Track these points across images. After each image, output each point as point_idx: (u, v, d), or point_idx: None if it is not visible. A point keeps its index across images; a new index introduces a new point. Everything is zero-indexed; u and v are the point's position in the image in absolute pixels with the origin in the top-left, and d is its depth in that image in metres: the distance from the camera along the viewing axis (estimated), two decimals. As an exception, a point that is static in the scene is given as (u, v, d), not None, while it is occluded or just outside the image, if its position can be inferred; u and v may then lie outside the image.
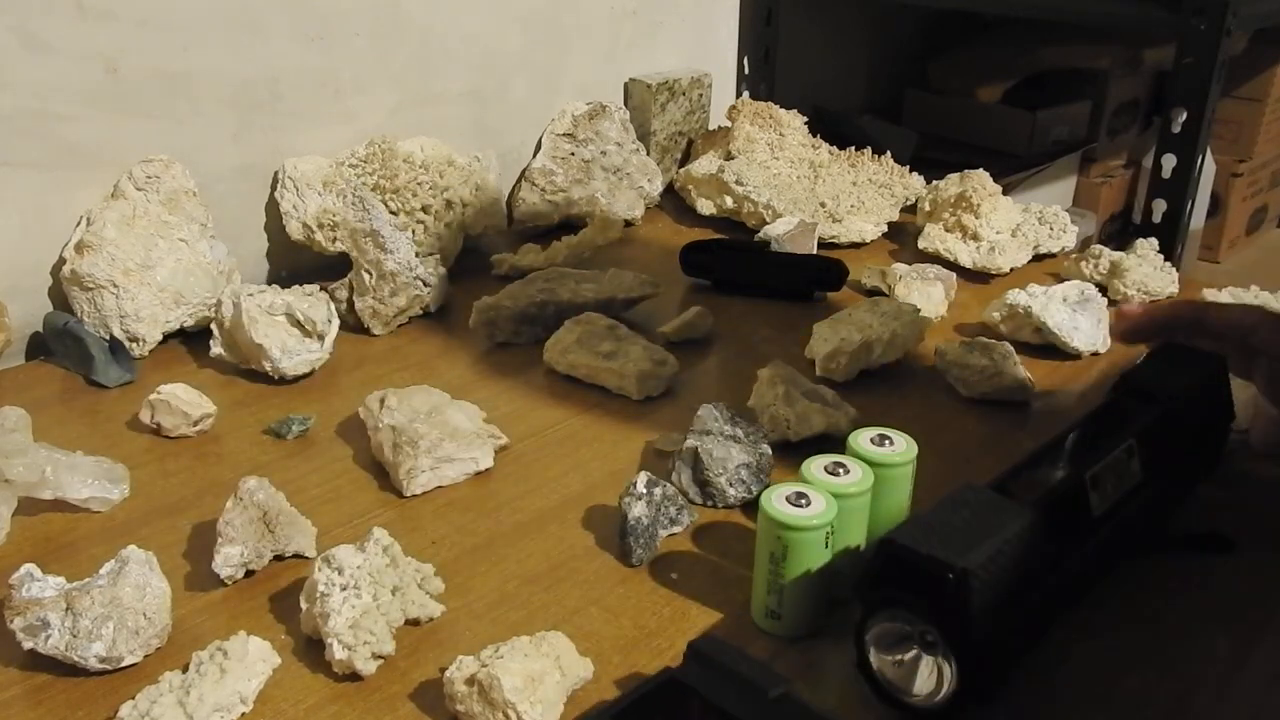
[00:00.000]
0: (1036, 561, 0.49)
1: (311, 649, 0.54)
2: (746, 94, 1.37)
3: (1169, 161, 1.06)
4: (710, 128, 1.29)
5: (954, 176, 1.08)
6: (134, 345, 0.83)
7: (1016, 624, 0.48)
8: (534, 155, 1.15)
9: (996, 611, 0.46)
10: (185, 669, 0.50)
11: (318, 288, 0.84)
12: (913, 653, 0.48)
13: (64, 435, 0.72)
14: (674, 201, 1.21)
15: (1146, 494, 0.57)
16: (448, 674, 0.50)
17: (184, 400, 0.73)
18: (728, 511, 0.66)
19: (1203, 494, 0.65)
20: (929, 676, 0.48)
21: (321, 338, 0.81)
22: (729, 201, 1.13)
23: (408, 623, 0.55)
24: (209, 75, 0.91)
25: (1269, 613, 0.58)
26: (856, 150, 1.17)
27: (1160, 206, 1.08)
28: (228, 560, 0.58)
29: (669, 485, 0.64)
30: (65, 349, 0.83)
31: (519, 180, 1.15)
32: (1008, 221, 1.04)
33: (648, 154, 1.20)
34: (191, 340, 0.87)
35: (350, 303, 0.89)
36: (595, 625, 0.56)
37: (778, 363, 0.77)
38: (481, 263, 1.03)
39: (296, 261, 1.00)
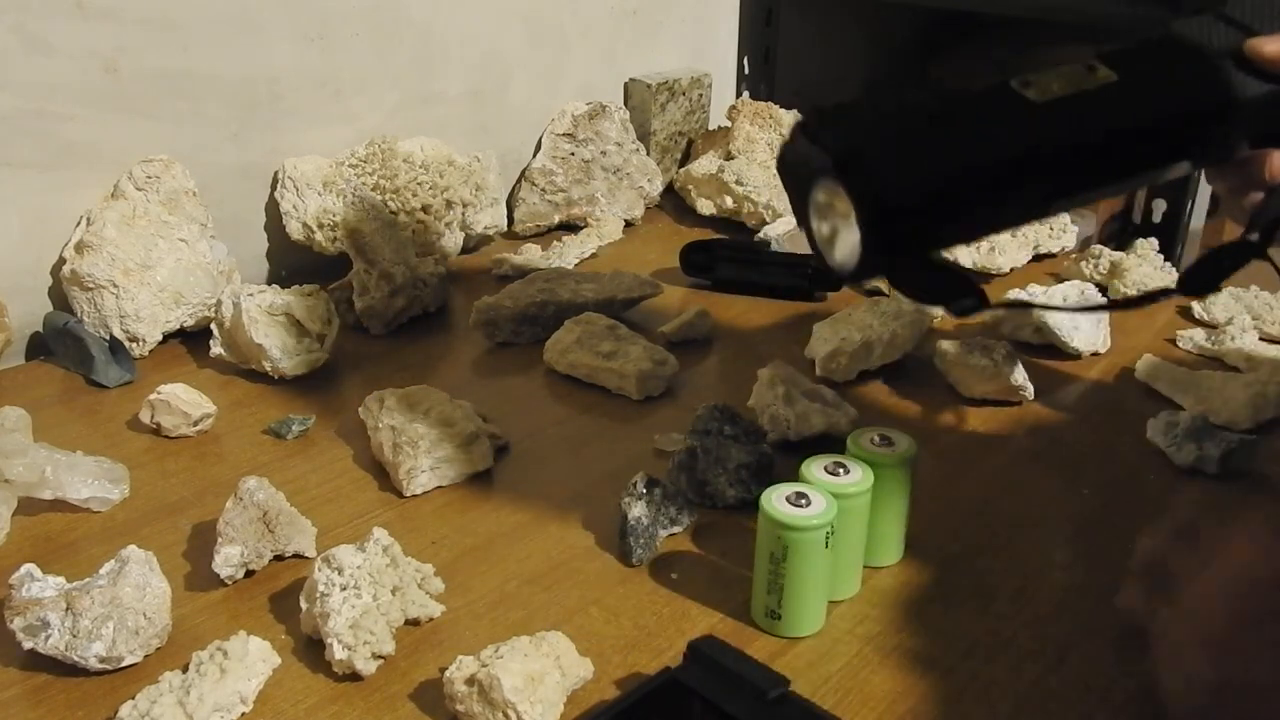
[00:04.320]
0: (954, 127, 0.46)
1: (311, 649, 0.54)
2: (746, 94, 1.37)
3: (1169, 161, 1.06)
4: (710, 128, 1.29)
5: (954, 176, 1.08)
6: (134, 345, 0.83)
7: (929, 191, 0.45)
8: (534, 155, 1.15)
9: (903, 174, 0.45)
10: (185, 669, 0.50)
11: (318, 288, 0.84)
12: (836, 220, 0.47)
13: (64, 435, 0.72)
14: (674, 201, 1.21)
15: (1126, 93, 0.50)
16: (448, 674, 0.50)
17: (184, 400, 0.73)
18: (728, 511, 0.66)
19: (1194, 488, 0.65)
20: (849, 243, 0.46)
21: (321, 338, 0.81)
22: (729, 201, 1.13)
23: (408, 623, 0.55)
24: (209, 75, 0.91)
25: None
26: (856, 150, 1.17)
27: (1160, 206, 1.08)
28: (228, 560, 0.58)
29: (669, 485, 0.64)
30: (65, 349, 0.83)
31: (519, 180, 1.15)
32: (1008, 221, 1.04)
33: (648, 154, 1.20)
34: (191, 340, 0.87)
35: (350, 303, 0.89)
36: (595, 625, 0.56)
37: (778, 363, 0.77)
38: (481, 263, 1.03)
39: (296, 261, 1.00)
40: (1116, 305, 0.86)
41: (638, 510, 0.61)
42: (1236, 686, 0.42)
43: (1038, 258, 1.04)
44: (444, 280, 0.93)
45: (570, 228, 1.14)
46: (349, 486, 0.68)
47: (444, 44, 1.07)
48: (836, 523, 0.53)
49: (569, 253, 1.02)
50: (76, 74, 0.84)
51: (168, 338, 0.86)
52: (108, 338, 0.82)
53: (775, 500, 0.54)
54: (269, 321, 0.79)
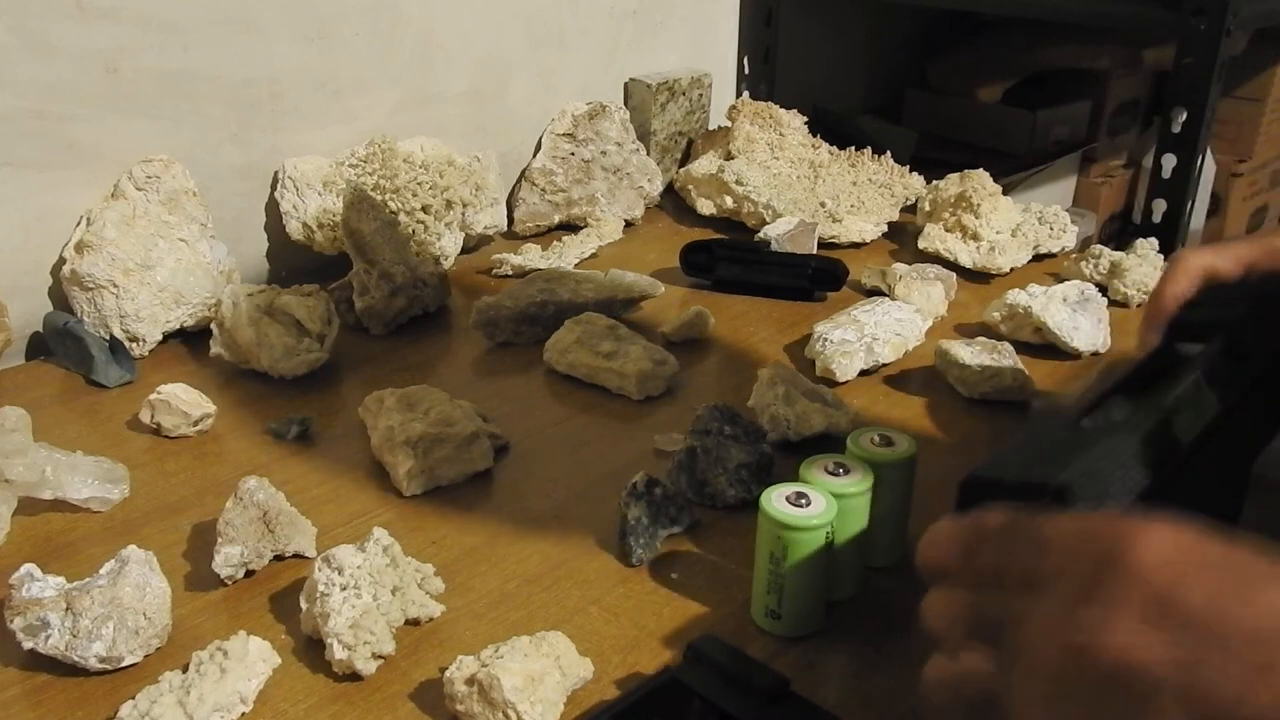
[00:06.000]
0: (1130, 488, 0.44)
1: (311, 649, 0.54)
2: (746, 94, 1.37)
3: (1169, 161, 1.06)
4: (710, 128, 1.29)
5: (954, 176, 1.08)
6: (134, 345, 0.83)
7: None
8: (534, 155, 1.15)
9: None
10: (185, 669, 0.50)
11: (318, 288, 0.84)
12: None
13: (64, 435, 0.72)
14: (674, 201, 1.21)
15: (1227, 428, 0.51)
16: (448, 674, 0.50)
17: (184, 400, 0.73)
18: (728, 511, 0.66)
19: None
20: None
21: (321, 338, 0.81)
22: (729, 201, 1.13)
23: (408, 623, 0.55)
24: (209, 75, 0.91)
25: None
26: (856, 150, 1.17)
27: (1160, 206, 1.08)
28: (228, 560, 0.58)
29: (669, 485, 0.64)
30: (65, 349, 0.83)
31: (519, 180, 1.15)
32: (1008, 221, 1.04)
33: (648, 154, 1.20)
34: (191, 340, 0.87)
35: (350, 303, 0.89)
36: (595, 625, 0.56)
37: (778, 363, 0.77)
38: (481, 263, 1.03)
39: (296, 261, 1.00)
40: None
41: (638, 510, 0.61)
42: None
43: (1038, 258, 1.04)
44: (444, 280, 0.93)
45: (570, 228, 1.14)
46: (349, 486, 0.68)
47: (444, 44, 1.07)
48: (836, 523, 0.54)
49: (569, 253, 1.02)
50: (76, 74, 0.84)
51: (168, 338, 0.86)
52: (108, 338, 0.82)
53: (775, 500, 0.54)
54: (269, 321, 0.79)
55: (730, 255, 0.99)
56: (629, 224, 1.15)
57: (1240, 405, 0.53)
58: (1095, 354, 0.86)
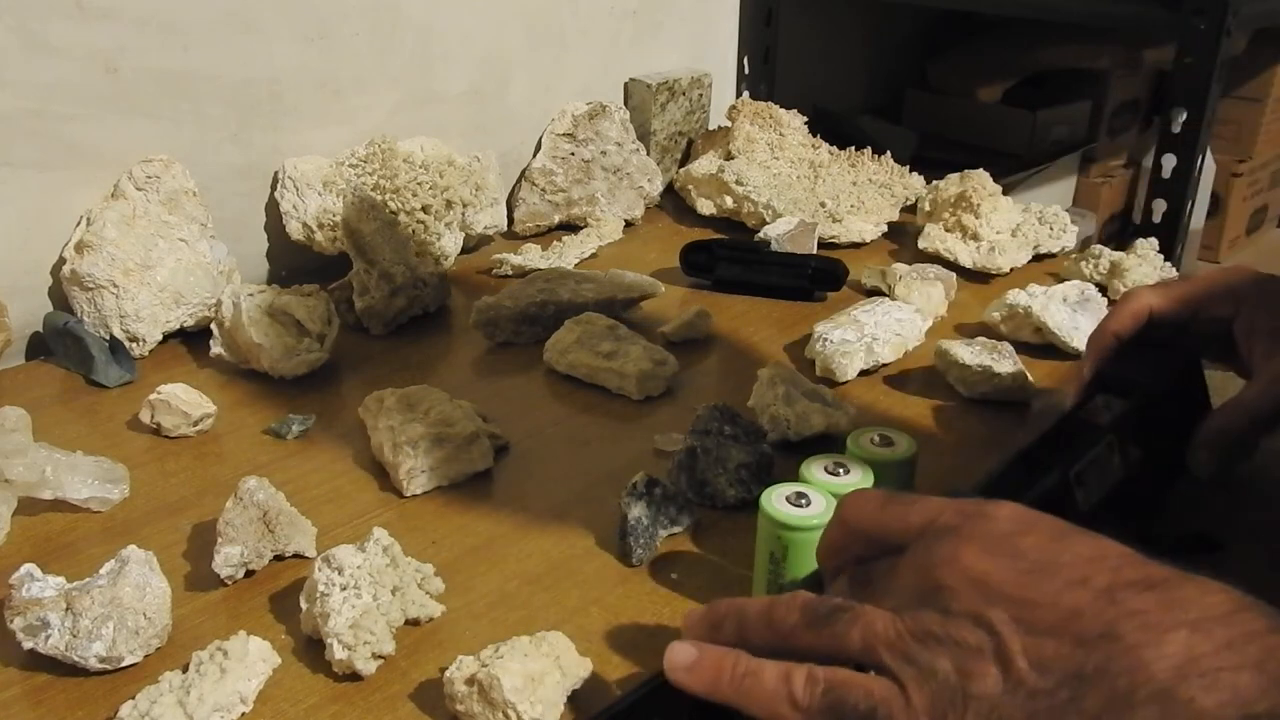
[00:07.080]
0: None
1: (311, 649, 0.54)
2: (746, 94, 1.37)
3: (1169, 161, 1.06)
4: (710, 128, 1.29)
5: (954, 176, 1.08)
6: (134, 345, 0.83)
7: None
8: (534, 155, 1.15)
9: None
10: (185, 669, 0.50)
11: (318, 288, 0.84)
12: None
13: (64, 435, 0.72)
14: (674, 201, 1.21)
15: (1130, 490, 0.57)
16: (448, 674, 0.50)
17: (184, 400, 0.73)
18: (728, 511, 0.66)
19: (1189, 493, 0.65)
20: None
21: (321, 338, 0.81)
22: (729, 201, 1.13)
23: (408, 623, 0.55)
24: (209, 75, 0.91)
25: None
26: (856, 150, 1.17)
27: (1160, 206, 1.08)
28: (228, 560, 0.58)
29: (669, 485, 0.64)
30: (65, 349, 0.83)
31: (519, 180, 1.15)
32: (1008, 221, 1.04)
33: (648, 154, 1.20)
34: (191, 340, 0.87)
35: (350, 303, 0.89)
36: (595, 625, 0.56)
37: (778, 363, 0.77)
38: (481, 263, 1.03)
39: (296, 261, 1.00)
40: None
41: (638, 510, 0.61)
42: None
43: (1038, 258, 1.04)
44: (444, 280, 0.93)
45: (570, 228, 1.14)
46: (349, 486, 0.69)
47: (444, 44, 1.07)
48: (836, 523, 0.53)
49: (569, 253, 1.02)
50: (76, 74, 0.84)
51: (168, 338, 0.86)
52: (108, 338, 0.82)
53: (775, 500, 0.54)
54: (269, 321, 0.79)
55: (730, 255, 0.99)
56: (629, 224, 1.15)
57: (1145, 469, 0.56)
58: (1095, 354, 0.86)
